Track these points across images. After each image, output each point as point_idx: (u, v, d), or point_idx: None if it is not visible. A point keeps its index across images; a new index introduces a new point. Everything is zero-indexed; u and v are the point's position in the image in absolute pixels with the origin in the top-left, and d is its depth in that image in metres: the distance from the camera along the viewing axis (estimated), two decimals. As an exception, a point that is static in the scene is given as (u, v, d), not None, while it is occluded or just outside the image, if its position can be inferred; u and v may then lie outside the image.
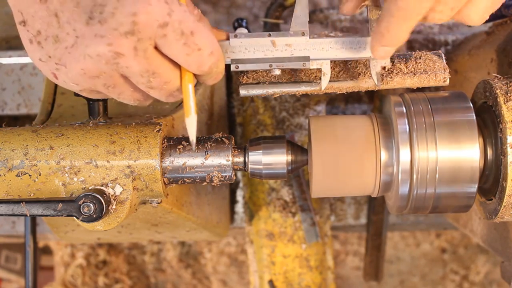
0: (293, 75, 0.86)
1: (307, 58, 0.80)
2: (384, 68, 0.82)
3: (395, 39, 0.74)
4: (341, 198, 1.39)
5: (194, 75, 0.75)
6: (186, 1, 0.75)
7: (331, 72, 0.85)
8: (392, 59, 0.84)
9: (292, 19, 0.80)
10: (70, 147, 0.80)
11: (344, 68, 0.85)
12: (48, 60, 0.71)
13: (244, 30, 0.80)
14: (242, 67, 0.80)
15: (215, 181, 0.84)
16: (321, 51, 0.80)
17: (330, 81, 0.84)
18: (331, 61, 0.82)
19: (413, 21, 0.73)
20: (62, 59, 0.70)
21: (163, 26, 0.68)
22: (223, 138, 0.85)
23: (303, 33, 0.80)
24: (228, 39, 0.79)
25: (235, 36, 0.79)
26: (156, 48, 0.70)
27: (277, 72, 0.81)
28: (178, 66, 0.73)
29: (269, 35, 0.80)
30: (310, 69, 0.85)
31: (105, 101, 0.87)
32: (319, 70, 0.85)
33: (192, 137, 0.78)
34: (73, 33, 0.69)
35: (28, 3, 0.70)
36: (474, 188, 0.83)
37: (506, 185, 0.79)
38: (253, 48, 0.80)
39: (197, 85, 1.05)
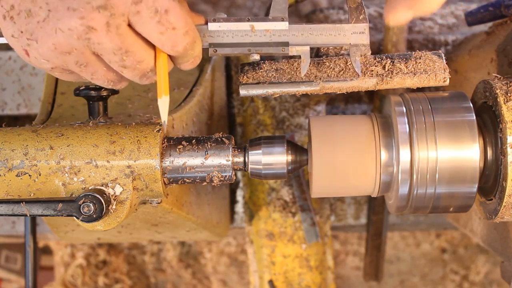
0: (293, 75, 0.86)
1: (286, 44, 0.80)
2: (363, 55, 0.82)
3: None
4: (341, 198, 1.39)
5: (171, 58, 0.75)
6: None
7: (332, 72, 0.85)
8: (392, 59, 0.84)
9: (272, 5, 0.80)
10: (70, 147, 0.80)
11: (344, 68, 0.85)
12: (20, 36, 0.70)
13: (223, 15, 0.79)
14: (220, 51, 0.79)
15: (215, 181, 0.84)
16: (300, 37, 0.80)
17: (330, 80, 0.84)
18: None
19: None
20: (34, 33, 0.69)
21: (137, 3, 0.67)
22: (223, 138, 0.85)
23: (283, 18, 0.79)
24: (206, 23, 0.79)
25: (214, 20, 0.79)
26: (130, 26, 0.69)
27: (256, 57, 0.80)
28: (152, 46, 0.72)
29: (248, 20, 0.79)
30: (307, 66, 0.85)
31: (105, 101, 0.87)
32: (319, 70, 0.85)
33: (164, 118, 0.78)
34: (45, 7, 0.68)
35: None
36: (474, 188, 0.83)
37: (506, 185, 0.79)
38: (232, 33, 0.79)
39: (196, 85, 1.05)
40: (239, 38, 0.79)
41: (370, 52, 0.81)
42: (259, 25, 0.79)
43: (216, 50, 0.79)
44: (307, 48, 0.80)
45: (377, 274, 1.47)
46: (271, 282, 1.26)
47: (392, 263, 1.80)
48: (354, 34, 0.80)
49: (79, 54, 0.70)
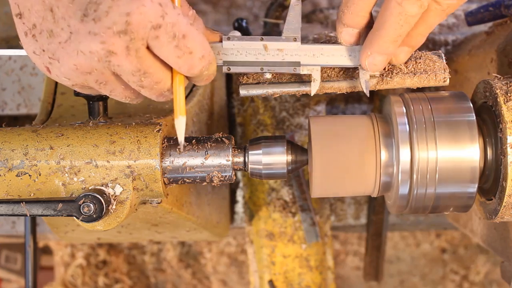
0: (293, 75, 0.86)
1: (297, 64, 0.81)
2: (373, 76, 0.83)
3: (382, 46, 0.76)
4: (341, 198, 1.39)
5: (185, 76, 0.76)
6: (182, 2, 0.76)
7: (332, 72, 0.85)
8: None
9: (285, 25, 0.81)
10: (70, 147, 0.80)
11: (345, 68, 0.85)
12: (42, 54, 0.72)
13: (237, 33, 0.81)
14: (233, 69, 0.81)
15: (215, 181, 0.84)
16: (312, 57, 0.82)
17: (330, 80, 0.85)
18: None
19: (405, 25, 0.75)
20: (56, 53, 0.71)
21: (156, 28, 0.69)
22: (223, 138, 0.85)
23: (295, 38, 0.81)
24: (221, 41, 0.80)
25: (228, 39, 0.80)
26: (148, 48, 0.71)
27: (268, 75, 0.82)
28: (169, 67, 0.74)
29: (262, 39, 0.81)
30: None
31: (105, 101, 0.87)
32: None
33: (181, 138, 0.79)
34: (67, 29, 0.69)
35: None
36: (474, 188, 0.83)
37: (506, 185, 0.79)
38: (245, 51, 0.81)
39: (195, 85, 1.05)
40: (252, 57, 0.81)
41: (379, 73, 0.83)
42: (272, 45, 0.81)
43: (230, 68, 0.81)
44: (318, 68, 0.82)
45: (377, 274, 1.47)
46: (271, 282, 1.26)
47: (392, 263, 1.80)
48: None
49: (99, 74, 0.72)
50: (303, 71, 0.82)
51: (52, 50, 0.71)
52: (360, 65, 0.81)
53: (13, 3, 0.73)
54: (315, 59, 0.82)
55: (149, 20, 0.68)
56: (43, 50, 0.72)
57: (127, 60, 0.70)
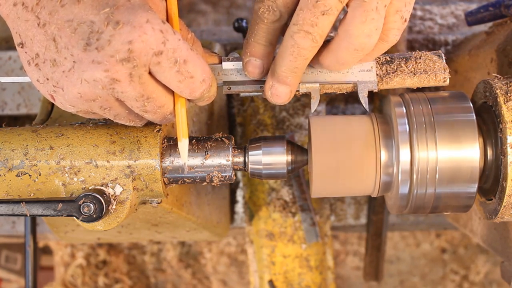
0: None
1: None
2: (371, 92, 0.84)
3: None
4: (341, 198, 1.39)
5: (187, 98, 0.78)
6: (181, 25, 0.78)
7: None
8: (392, 59, 0.84)
9: None
10: (70, 147, 0.80)
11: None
12: (46, 82, 0.73)
13: (236, 54, 0.82)
14: (234, 89, 0.82)
15: (215, 181, 0.84)
16: (310, 75, 0.82)
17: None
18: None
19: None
20: (60, 82, 0.72)
21: (158, 54, 0.70)
22: (223, 138, 0.85)
23: None
24: (220, 62, 0.82)
25: (228, 59, 0.82)
26: (150, 73, 0.72)
27: None
28: (171, 91, 0.75)
29: None
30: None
31: (105, 101, 0.87)
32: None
33: (184, 159, 0.80)
34: (70, 58, 0.70)
35: (26, 26, 0.72)
36: (474, 188, 0.83)
37: (506, 185, 0.79)
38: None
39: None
40: None
41: (377, 88, 0.83)
42: None
43: (230, 88, 0.82)
44: (317, 85, 0.83)
45: (377, 274, 1.47)
46: (271, 282, 1.26)
47: (392, 263, 1.80)
48: (361, 72, 0.82)
49: (103, 100, 0.73)
50: (302, 89, 0.82)
51: (56, 79, 0.72)
52: (357, 81, 0.82)
53: (15, 32, 0.74)
54: (314, 76, 0.82)
55: (151, 47, 0.69)
56: (47, 79, 0.73)
57: (130, 86, 0.71)
